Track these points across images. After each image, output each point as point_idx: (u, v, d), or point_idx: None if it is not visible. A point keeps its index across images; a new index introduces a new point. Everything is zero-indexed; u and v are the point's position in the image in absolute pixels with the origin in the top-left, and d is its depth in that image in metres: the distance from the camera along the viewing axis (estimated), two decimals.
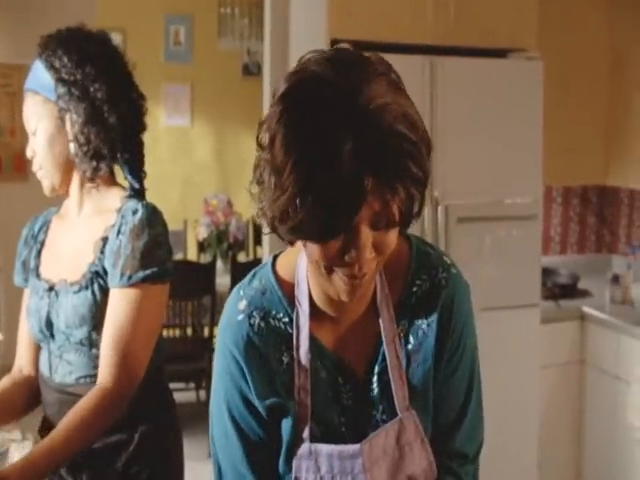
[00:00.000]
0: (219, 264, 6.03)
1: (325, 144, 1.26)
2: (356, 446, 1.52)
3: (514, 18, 4.19)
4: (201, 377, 5.89)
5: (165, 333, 5.85)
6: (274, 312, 1.54)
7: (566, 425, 4.49)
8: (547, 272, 4.79)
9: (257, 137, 1.36)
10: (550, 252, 5.21)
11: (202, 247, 6.52)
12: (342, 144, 1.25)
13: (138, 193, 2.23)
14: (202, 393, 6.09)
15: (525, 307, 4.12)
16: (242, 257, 6.49)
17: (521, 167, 4.11)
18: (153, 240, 2.11)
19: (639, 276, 4.70)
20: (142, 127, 2.22)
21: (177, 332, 5.83)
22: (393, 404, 1.55)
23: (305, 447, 1.53)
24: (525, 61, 4.15)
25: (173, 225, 7.43)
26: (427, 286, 1.58)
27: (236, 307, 1.55)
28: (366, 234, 1.33)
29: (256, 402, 1.52)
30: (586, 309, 4.48)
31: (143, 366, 2.09)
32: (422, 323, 1.57)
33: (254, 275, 1.59)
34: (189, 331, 5.87)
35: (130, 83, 2.20)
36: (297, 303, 1.53)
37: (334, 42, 3.98)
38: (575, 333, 4.48)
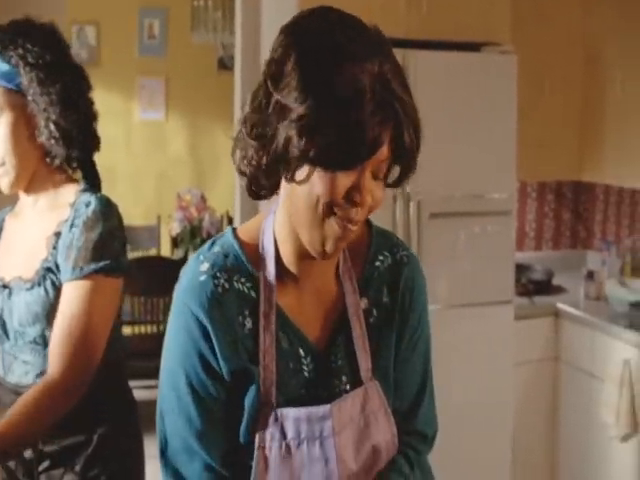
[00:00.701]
0: None
1: (363, 64, 1.31)
2: (326, 407, 1.49)
3: (487, 11, 4.15)
4: None
5: (137, 330, 5.79)
6: (237, 275, 1.49)
7: (540, 422, 4.46)
8: (522, 268, 4.76)
9: (273, 60, 1.35)
10: (525, 248, 5.18)
11: (176, 243, 6.45)
12: (374, 65, 1.32)
13: (92, 186, 2.17)
14: None
15: (499, 304, 4.08)
16: None
17: (495, 162, 4.06)
18: (107, 232, 2.05)
19: (614, 272, 4.68)
20: (95, 116, 2.17)
21: (149, 329, 5.76)
22: (356, 375, 1.54)
23: (270, 413, 1.48)
24: (499, 55, 4.11)
25: (147, 220, 7.40)
26: (389, 262, 1.60)
27: (197, 269, 1.49)
28: (370, 179, 1.37)
29: (221, 365, 1.46)
30: (560, 305, 4.45)
31: (93, 360, 2.02)
32: (385, 298, 1.58)
33: (213, 242, 1.54)
34: (161, 328, 5.81)
35: (79, 74, 2.16)
36: (262, 266, 1.50)
37: None
38: (549, 330, 4.44)
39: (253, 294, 1.49)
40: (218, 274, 1.48)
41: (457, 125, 3.99)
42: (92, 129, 2.17)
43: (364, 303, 1.56)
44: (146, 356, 5.44)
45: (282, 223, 1.48)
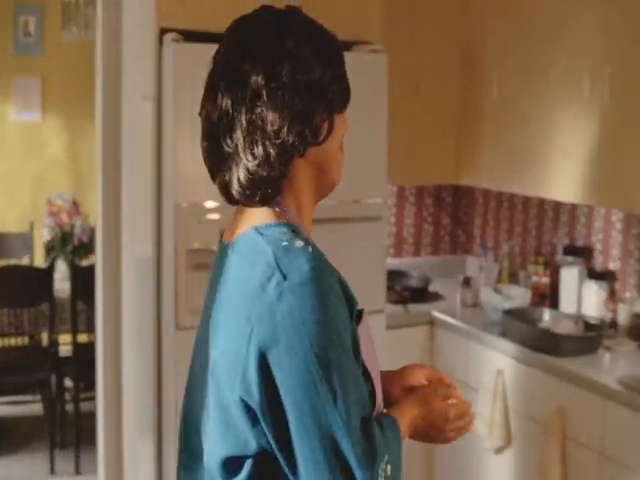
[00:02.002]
0: (64, 268, 5.68)
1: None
2: None
3: (358, 10, 4.00)
4: (43, 388, 5.53)
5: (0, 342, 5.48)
6: None
7: None
8: (398, 275, 4.62)
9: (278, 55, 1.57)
10: (404, 254, 5.04)
11: (48, 250, 6.15)
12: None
13: None
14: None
15: (370, 313, 3.90)
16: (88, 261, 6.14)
17: (365, 166, 3.90)
18: None
19: (491, 278, 4.57)
20: None
21: (13, 341, 5.46)
22: None
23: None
24: (368, 54, 3.96)
25: (21, 226, 7.06)
26: None
27: (313, 253, 1.54)
28: None
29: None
30: (435, 313, 4.32)
31: None
32: None
33: (290, 239, 1.55)
34: (27, 340, 5.52)
35: None
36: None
37: (163, 32, 3.73)
38: (424, 339, 4.31)
39: None
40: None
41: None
42: None
43: None
44: (10, 370, 5.18)
45: (304, 204, 1.65)
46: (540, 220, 4.67)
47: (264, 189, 1.57)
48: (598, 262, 4.32)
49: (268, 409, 1.47)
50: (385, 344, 3.91)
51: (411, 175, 4.66)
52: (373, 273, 3.93)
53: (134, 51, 3.78)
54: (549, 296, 4.35)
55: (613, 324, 4.03)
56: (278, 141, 1.54)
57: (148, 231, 3.76)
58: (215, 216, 3.61)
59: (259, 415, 1.48)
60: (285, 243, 1.52)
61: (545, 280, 4.37)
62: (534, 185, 4.18)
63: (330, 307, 1.49)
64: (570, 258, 4.30)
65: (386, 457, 1.51)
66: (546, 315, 4.05)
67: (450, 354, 4.22)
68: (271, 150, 1.54)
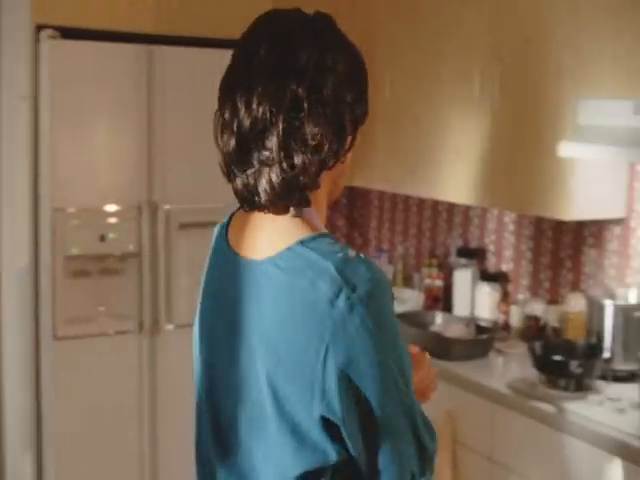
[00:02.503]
0: None
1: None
2: None
3: (244, 7, 3.89)
4: None
5: None
6: None
7: None
8: None
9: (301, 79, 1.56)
10: None
11: None
12: None
13: None
14: None
15: None
16: None
17: None
18: None
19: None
20: None
21: None
22: None
23: None
24: None
25: None
26: None
27: (372, 264, 1.55)
28: None
29: None
30: None
31: None
32: None
33: (336, 247, 1.56)
34: None
35: None
36: None
37: (39, 28, 3.58)
38: None
39: None
40: None
41: (209, 131, 3.71)
42: None
43: None
44: None
45: (322, 215, 1.68)
46: (434, 222, 4.63)
47: (299, 196, 1.58)
48: (491, 264, 4.30)
49: (350, 421, 1.53)
50: None
51: None
52: None
53: (9, 48, 3.63)
54: (442, 299, 4.31)
55: (505, 326, 4.00)
56: (316, 153, 1.56)
57: (26, 237, 3.60)
58: (98, 221, 3.48)
59: (342, 429, 1.53)
60: (340, 255, 1.53)
61: (438, 283, 4.33)
62: (426, 187, 4.12)
63: (392, 310, 1.58)
64: (463, 260, 4.26)
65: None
66: (438, 318, 4.00)
67: None
68: (308, 160, 1.55)
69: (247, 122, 1.56)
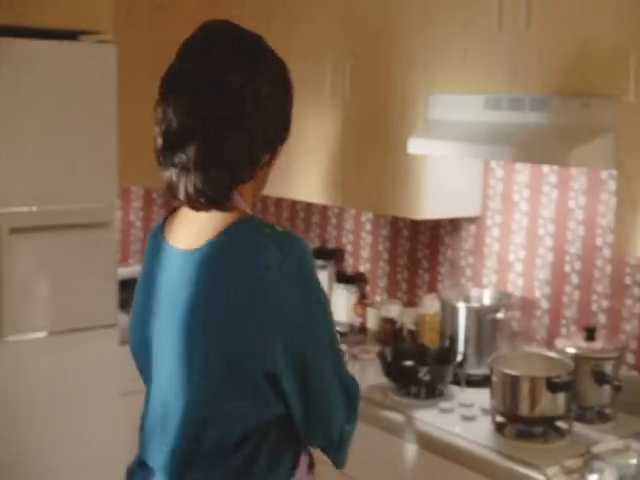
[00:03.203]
0: None
1: None
2: None
3: None
4: None
5: None
6: None
7: None
8: (133, 285, 4.28)
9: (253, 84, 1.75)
10: (132, 262, 4.67)
11: None
12: None
13: None
14: None
15: (100, 328, 3.60)
16: None
17: (92, 168, 3.58)
18: None
19: None
20: None
21: None
22: None
23: None
24: (95, 45, 3.63)
25: None
26: None
27: (300, 237, 1.78)
28: None
29: None
30: None
31: None
32: None
33: (263, 224, 1.76)
34: None
35: None
36: None
37: None
38: None
39: None
40: None
41: (48, 125, 3.48)
42: None
43: None
44: None
45: (249, 200, 1.84)
46: (292, 222, 4.47)
47: (215, 203, 1.74)
48: (349, 264, 4.16)
49: (288, 372, 1.72)
50: (119, 361, 3.57)
51: (142, 176, 4.17)
52: (103, 284, 3.60)
53: None
54: None
55: (362, 329, 3.86)
56: (230, 170, 1.73)
57: None
58: None
59: (282, 379, 1.72)
60: (270, 230, 1.72)
61: None
62: (282, 186, 3.94)
63: (315, 273, 1.80)
64: (320, 261, 4.10)
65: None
66: None
67: None
68: (221, 175, 1.72)
69: (173, 127, 1.71)
